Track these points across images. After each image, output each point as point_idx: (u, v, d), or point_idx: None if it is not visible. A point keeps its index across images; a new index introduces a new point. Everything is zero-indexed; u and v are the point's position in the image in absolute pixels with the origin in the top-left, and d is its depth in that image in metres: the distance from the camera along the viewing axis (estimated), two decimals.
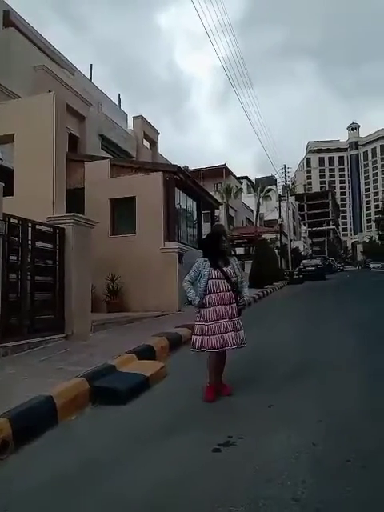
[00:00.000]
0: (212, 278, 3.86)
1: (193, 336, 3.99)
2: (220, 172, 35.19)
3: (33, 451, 2.89)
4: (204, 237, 13.30)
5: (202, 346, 3.84)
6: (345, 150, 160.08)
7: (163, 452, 2.79)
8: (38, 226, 6.10)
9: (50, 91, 10.51)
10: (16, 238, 5.69)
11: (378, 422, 3.10)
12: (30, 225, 5.92)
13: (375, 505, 2.08)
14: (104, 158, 13.19)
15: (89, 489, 2.36)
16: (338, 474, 2.36)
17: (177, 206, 12.46)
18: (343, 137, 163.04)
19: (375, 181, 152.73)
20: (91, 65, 22.29)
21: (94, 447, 2.96)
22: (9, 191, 6.31)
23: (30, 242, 5.91)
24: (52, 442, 3.05)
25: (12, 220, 5.54)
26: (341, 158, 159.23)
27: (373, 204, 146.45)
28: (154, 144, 22.76)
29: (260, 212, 40.05)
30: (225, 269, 3.92)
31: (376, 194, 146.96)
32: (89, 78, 20.27)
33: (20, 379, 4.12)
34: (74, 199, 9.40)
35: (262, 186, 39.16)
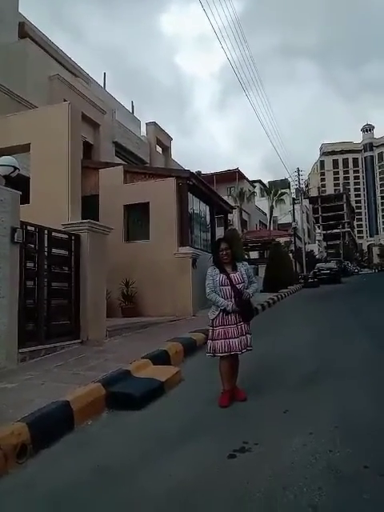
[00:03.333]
0: (220, 285, 3.90)
1: (207, 341, 4.06)
2: (233, 176, 35.22)
3: (51, 455, 2.94)
4: None
5: (213, 350, 3.90)
6: (359, 151, 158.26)
7: (179, 457, 2.80)
8: (54, 233, 6.20)
9: (65, 100, 10.74)
10: (33, 245, 5.80)
11: None
12: (46, 232, 6.02)
13: None
14: (118, 165, 13.35)
15: (106, 493, 2.39)
16: (355, 481, 2.34)
17: (190, 211, 12.51)
18: (356, 138, 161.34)
19: None
20: (105, 73, 22.66)
21: (111, 452, 2.99)
22: (25, 199, 6.44)
23: (46, 249, 6.01)
24: (70, 446, 3.10)
25: (29, 227, 5.65)
26: (355, 160, 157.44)
27: None
28: (166, 149, 22.95)
29: (274, 215, 39.91)
30: (232, 275, 3.94)
31: None
32: (102, 86, 20.58)
33: (38, 384, 4.19)
34: (89, 206, 9.53)
35: (275, 190, 39.03)
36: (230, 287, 3.88)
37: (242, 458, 2.73)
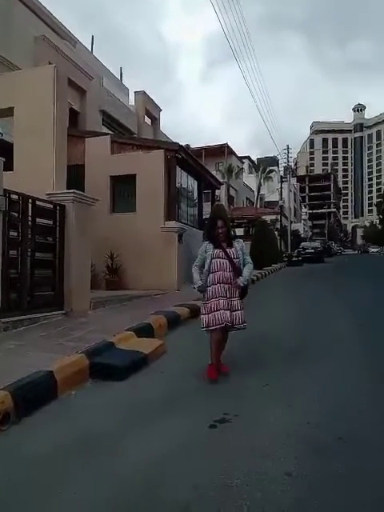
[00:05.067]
0: (215, 258, 3.96)
1: (201, 316, 4.07)
2: (222, 151, 34.77)
3: (33, 424, 2.96)
4: (205, 217, 13.25)
5: (206, 324, 3.92)
6: (349, 131, 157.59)
7: (161, 427, 2.86)
8: (38, 203, 6.07)
9: (50, 63, 10.30)
10: (16, 214, 5.67)
11: (373, 403, 3.18)
12: (30, 201, 5.88)
13: (363, 481, 2.16)
14: (105, 134, 13.00)
15: (87, 461, 2.44)
16: (329, 452, 2.44)
17: (177, 185, 12.36)
18: (346, 118, 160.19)
19: (379, 164, 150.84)
20: (93, 36, 21.75)
21: (93, 422, 3.03)
22: (9, 166, 6.24)
23: (30, 219, 5.89)
24: (52, 415, 3.12)
25: (12, 196, 5.51)
26: (345, 140, 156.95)
27: (375, 188, 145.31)
28: (155, 120, 22.41)
29: (261, 193, 39.83)
30: (228, 249, 3.98)
31: (379, 177, 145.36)
32: (90, 50, 19.76)
33: (21, 354, 4.19)
34: (74, 175, 9.31)
35: (263, 167, 38.79)
36: (227, 260, 3.94)
37: (222, 429, 2.80)
